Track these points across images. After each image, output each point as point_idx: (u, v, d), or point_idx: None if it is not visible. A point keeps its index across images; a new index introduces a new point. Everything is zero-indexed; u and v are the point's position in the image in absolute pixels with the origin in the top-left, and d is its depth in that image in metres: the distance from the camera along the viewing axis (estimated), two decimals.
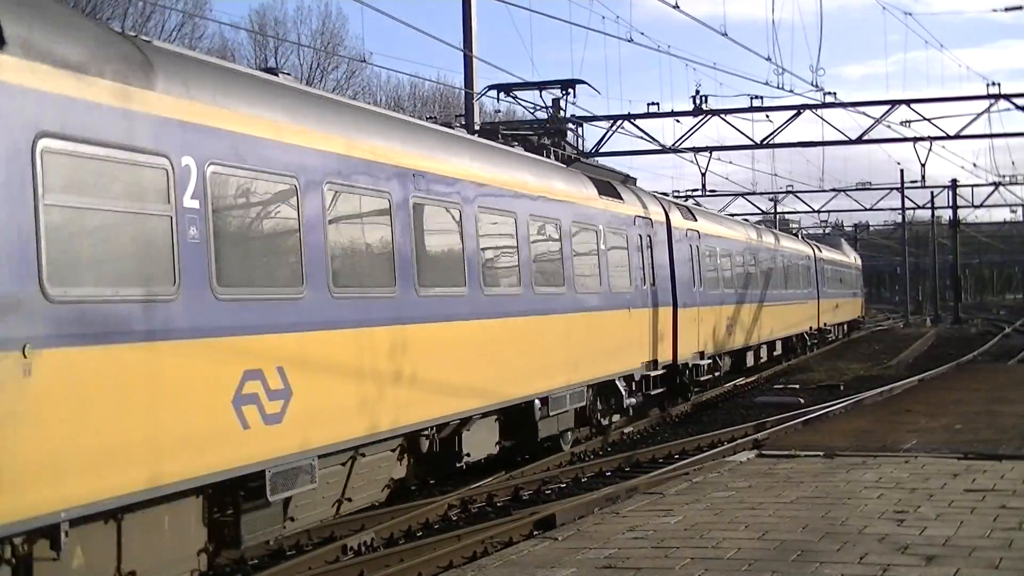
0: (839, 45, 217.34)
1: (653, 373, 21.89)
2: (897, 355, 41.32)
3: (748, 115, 37.61)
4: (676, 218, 24.95)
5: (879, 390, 26.55)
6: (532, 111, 22.91)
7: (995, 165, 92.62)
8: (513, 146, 18.43)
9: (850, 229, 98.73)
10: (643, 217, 22.15)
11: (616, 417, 20.99)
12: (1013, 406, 20.06)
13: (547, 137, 21.68)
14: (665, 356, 22.70)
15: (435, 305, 13.39)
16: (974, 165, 72.39)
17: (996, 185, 64.64)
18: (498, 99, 23.29)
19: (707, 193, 48.45)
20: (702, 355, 25.84)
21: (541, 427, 16.67)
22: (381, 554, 11.83)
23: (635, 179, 24.85)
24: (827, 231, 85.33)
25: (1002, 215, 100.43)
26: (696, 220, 27.16)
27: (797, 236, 49.68)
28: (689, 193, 51.12)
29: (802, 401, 26.01)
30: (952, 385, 26.24)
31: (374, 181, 12.28)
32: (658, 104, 37.42)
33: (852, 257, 62.99)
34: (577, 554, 9.40)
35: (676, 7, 23.91)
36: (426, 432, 13.40)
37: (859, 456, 14.44)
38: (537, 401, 16.32)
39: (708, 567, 8.75)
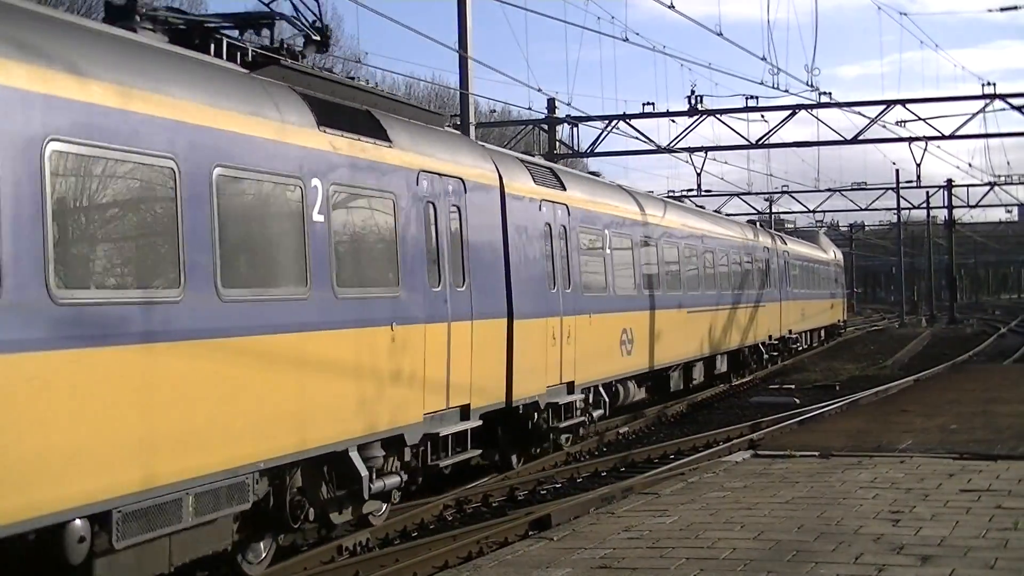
0: (834, 45, 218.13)
1: (454, 429, 13.61)
2: (892, 355, 41.34)
3: (743, 115, 37.85)
4: (519, 183, 16.34)
5: (874, 390, 26.55)
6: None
7: (990, 165, 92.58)
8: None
9: (845, 229, 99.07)
10: (438, 174, 13.56)
11: (379, 507, 12.64)
12: (1008, 406, 20.05)
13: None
14: (488, 396, 14.67)
15: None
16: (969, 165, 72.64)
17: (991, 185, 64.87)
18: None
19: (702, 193, 48.51)
20: (571, 387, 17.82)
21: (103, 570, 8.42)
22: (377, 554, 11.84)
23: (447, 115, 16.41)
24: (823, 231, 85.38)
25: (998, 215, 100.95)
26: (564, 189, 18.40)
27: (755, 225, 40.92)
28: (684, 193, 51.22)
29: (797, 401, 26.02)
30: (947, 385, 26.25)
31: None
32: (653, 104, 37.76)
33: (831, 252, 55.66)
34: (573, 554, 9.40)
35: (671, 7, 23.95)
36: None
37: (854, 456, 14.44)
38: (80, 523, 8.03)
39: (704, 567, 8.74)
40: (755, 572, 8.55)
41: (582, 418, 18.45)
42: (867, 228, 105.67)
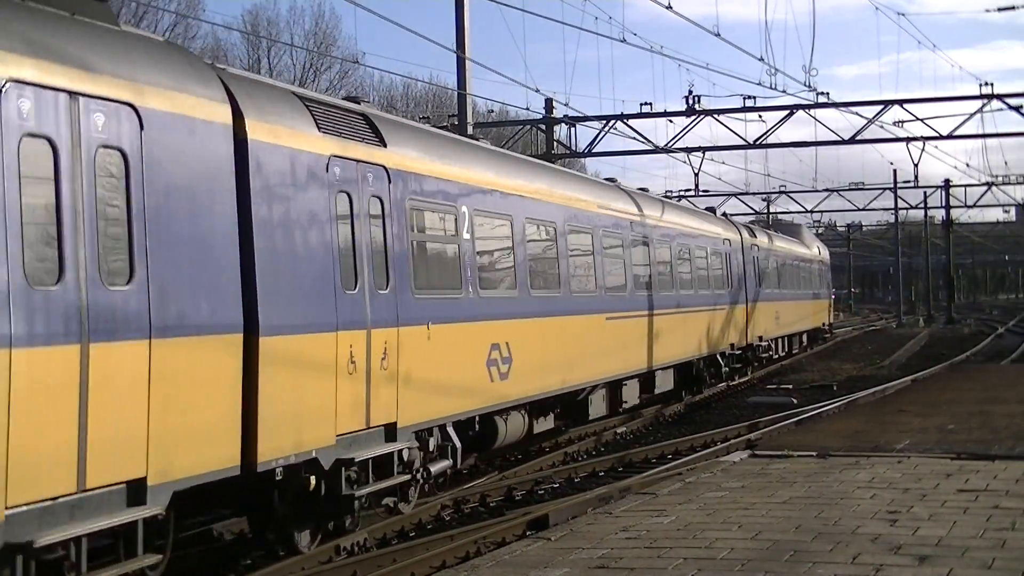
0: (832, 46, 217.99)
1: (95, 526, 8.07)
2: (890, 355, 41.36)
3: (741, 115, 37.84)
4: (284, 127, 10.97)
5: (872, 390, 26.59)
6: None
7: (988, 165, 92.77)
8: None
9: (843, 229, 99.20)
10: (66, 92, 8.21)
11: None
12: (1006, 406, 20.06)
13: None
14: (196, 462, 9.28)
15: None
16: (967, 165, 72.58)
17: (989, 185, 64.91)
18: None
19: (700, 193, 48.54)
20: (392, 431, 12.40)
21: None
22: (374, 554, 11.82)
23: (111, 7, 9.85)
24: (820, 231, 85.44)
25: (995, 215, 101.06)
26: (383, 145, 12.85)
27: (715, 213, 34.95)
28: (682, 193, 51.24)
29: (795, 401, 26.04)
30: (945, 385, 26.25)
31: None
32: (651, 104, 37.70)
33: (815, 248, 50.00)
34: (570, 554, 9.39)
35: (669, 7, 23.94)
36: None
37: (852, 456, 14.44)
38: None
39: (701, 567, 8.74)
40: (753, 572, 8.54)
41: (406, 476, 12.82)
42: (865, 228, 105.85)
